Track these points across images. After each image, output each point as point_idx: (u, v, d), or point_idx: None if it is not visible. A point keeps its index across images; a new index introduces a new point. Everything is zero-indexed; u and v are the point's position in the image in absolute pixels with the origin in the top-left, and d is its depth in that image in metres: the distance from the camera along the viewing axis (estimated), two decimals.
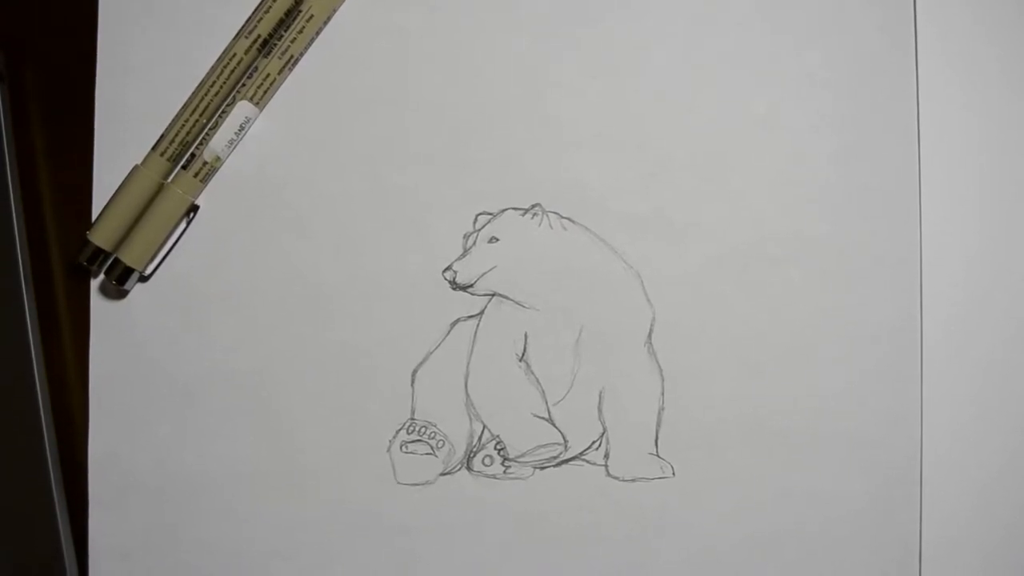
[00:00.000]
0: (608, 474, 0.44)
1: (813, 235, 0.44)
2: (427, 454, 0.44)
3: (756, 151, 0.45)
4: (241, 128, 0.43)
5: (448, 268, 0.44)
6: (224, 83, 0.43)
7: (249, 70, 0.43)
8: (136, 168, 0.43)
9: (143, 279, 0.44)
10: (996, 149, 0.45)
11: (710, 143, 0.44)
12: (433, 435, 0.44)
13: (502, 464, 0.44)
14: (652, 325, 0.44)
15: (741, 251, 0.44)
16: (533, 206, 0.44)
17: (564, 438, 0.44)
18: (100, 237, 0.43)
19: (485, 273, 0.44)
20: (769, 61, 0.45)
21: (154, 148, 0.43)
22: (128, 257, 0.43)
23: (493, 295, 0.44)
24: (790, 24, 0.45)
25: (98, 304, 0.44)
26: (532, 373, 0.44)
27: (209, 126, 0.43)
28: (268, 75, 0.43)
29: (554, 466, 0.44)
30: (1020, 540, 0.44)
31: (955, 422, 0.44)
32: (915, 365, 0.44)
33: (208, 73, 0.43)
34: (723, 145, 0.44)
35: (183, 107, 0.43)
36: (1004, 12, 0.45)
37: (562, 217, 0.44)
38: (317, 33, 0.44)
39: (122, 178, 0.43)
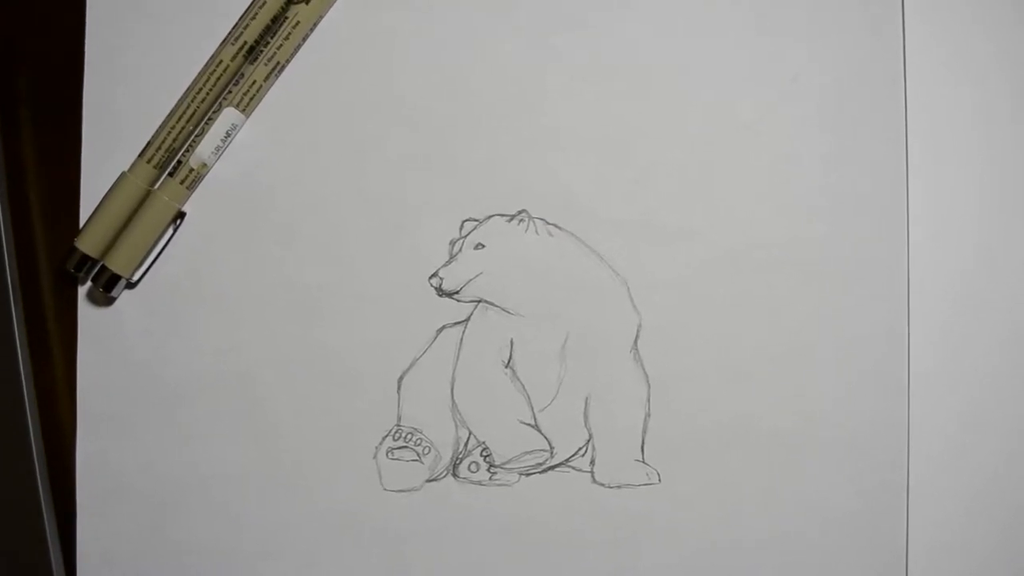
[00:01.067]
0: (594, 481, 0.44)
1: (801, 239, 0.44)
2: (413, 460, 0.44)
3: (744, 155, 0.44)
4: (228, 135, 0.43)
5: (434, 275, 0.44)
6: (211, 90, 0.43)
7: (236, 77, 0.44)
8: (123, 175, 0.43)
9: (130, 286, 0.44)
10: (985, 152, 0.45)
11: (698, 147, 0.44)
12: (419, 441, 0.44)
13: (488, 471, 0.44)
14: (638, 331, 0.44)
15: (729, 256, 0.44)
16: (519, 212, 0.44)
17: (550, 445, 0.44)
18: (87, 244, 0.43)
19: (471, 279, 0.44)
20: (758, 64, 0.45)
21: (141, 155, 0.43)
22: (115, 264, 0.43)
23: (479, 301, 0.44)
24: (779, 28, 0.45)
25: (85, 310, 0.44)
26: (518, 380, 0.44)
27: (196, 133, 0.43)
28: (254, 82, 0.43)
29: (540, 473, 0.44)
30: (1007, 547, 0.44)
31: (943, 428, 0.44)
32: (903, 371, 0.44)
33: (195, 80, 0.44)
34: (711, 149, 0.44)
35: (170, 114, 0.43)
36: (994, 14, 0.45)
37: (548, 223, 0.44)
38: (303, 39, 0.44)
39: (110, 185, 0.43)
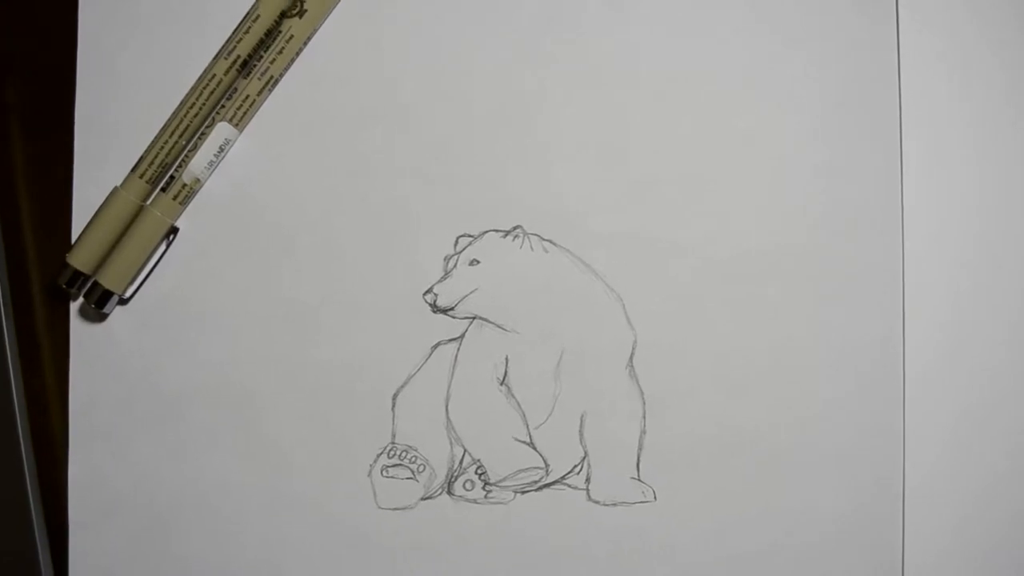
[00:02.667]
0: (589, 498, 0.44)
1: (795, 249, 0.44)
2: (408, 478, 0.43)
3: (739, 167, 0.44)
4: (221, 150, 0.43)
5: (429, 291, 0.44)
6: (204, 104, 0.43)
7: (229, 91, 0.43)
8: (115, 190, 0.43)
9: (122, 302, 0.43)
10: (980, 159, 0.44)
11: (692, 159, 0.44)
12: (414, 459, 0.44)
13: (483, 488, 0.44)
14: (634, 348, 0.44)
15: (723, 268, 0.44)
16: (514, 228, 0.44)
17: (545, 462, 0.44)
18: (79, 260, 0.43)
19: (466, 296, 0.44)
20: (752, 75, 0.44)
21: (133, 170, 0.43)
22: (107, 280, 0.43)
23: (474, 318, 0.44)
24: (773, 38, 0.44)
25: (78, 327, 0.44)
26: (513, 397, 0.44)
27: (188, 148, 0.43)
28: (248, 96, 0.43)
29: (535, 490, 0.44)
30: (1003, 554, 0.44)
31: (938, 437, 0.44)
32: (898, 380, 0.44)
33: (187, 94, 0.43)
34: (706, 161, 0.44)
35: (162, 129, 0.43)
36: (989, 22, 0.45)
37: (543, 239, 0.44)
38: (297, 54, 0.44)
39: (102, 200, 0.43)
